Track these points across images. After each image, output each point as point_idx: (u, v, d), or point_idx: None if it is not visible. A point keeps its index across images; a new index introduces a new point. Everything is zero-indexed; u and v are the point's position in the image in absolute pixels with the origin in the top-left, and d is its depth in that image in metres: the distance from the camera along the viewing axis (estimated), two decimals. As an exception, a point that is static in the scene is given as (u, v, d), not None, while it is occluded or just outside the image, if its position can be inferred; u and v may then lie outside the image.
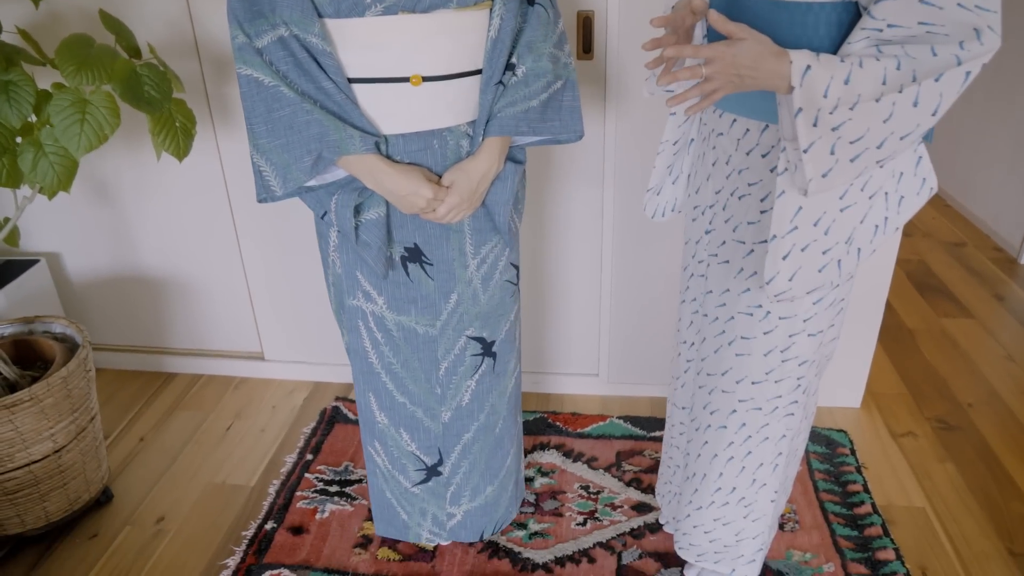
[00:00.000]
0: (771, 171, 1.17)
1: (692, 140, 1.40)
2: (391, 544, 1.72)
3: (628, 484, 1.89)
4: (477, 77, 1.26)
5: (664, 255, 2.02)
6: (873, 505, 1.80)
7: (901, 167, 1.12)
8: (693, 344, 1.47)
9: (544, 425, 2.11)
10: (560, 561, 1.67)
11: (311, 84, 1.17)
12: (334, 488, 1.89)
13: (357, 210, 1.26)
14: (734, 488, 1.43)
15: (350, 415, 2.17)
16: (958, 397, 2.22)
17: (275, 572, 1.66)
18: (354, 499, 1.86)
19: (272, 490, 1.89)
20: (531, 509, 1.82)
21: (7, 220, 1.77)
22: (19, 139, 1.57)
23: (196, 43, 1.93)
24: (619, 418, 2.13)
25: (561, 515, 1.80)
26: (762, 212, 1.20)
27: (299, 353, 2.34)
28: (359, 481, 1.91)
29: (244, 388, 2.34)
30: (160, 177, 2.13)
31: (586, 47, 1.77)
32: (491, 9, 1.24)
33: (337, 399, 2.24)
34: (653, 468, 1.94)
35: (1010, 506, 1.81)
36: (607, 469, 1.94)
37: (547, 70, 1.27)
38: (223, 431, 2.14)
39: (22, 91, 1.46)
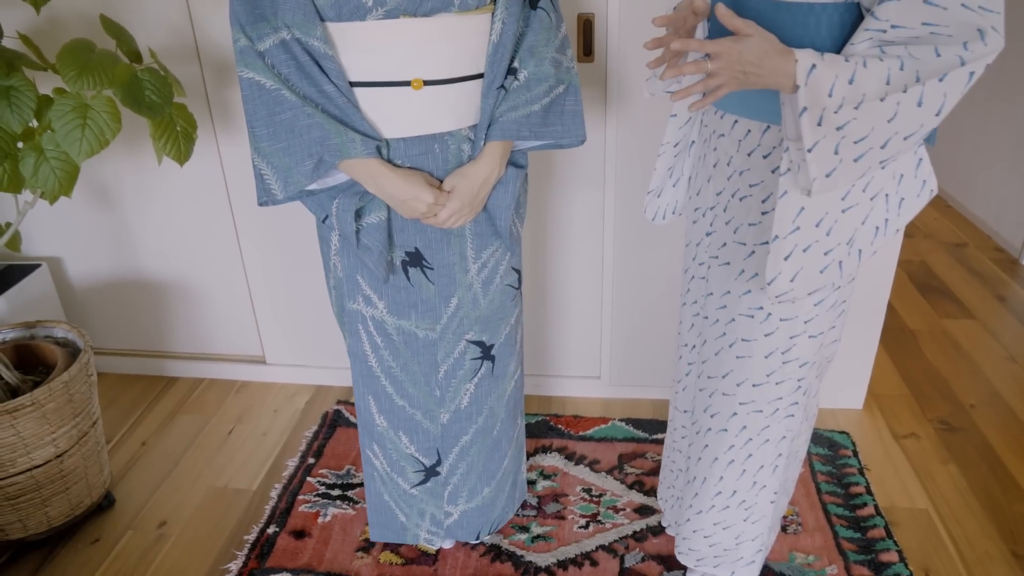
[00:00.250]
0: (772, 172, 1.17)
1: (693, 142, 1.40)
2: (393, 548, 1.72)
3: (630, 487, 1.89)
4: (479, 81, 1.26)
5: (665, 257, 2.02)
6: (876, 507, 1.80)
7: (902, 169, 1.12)
8: (694, 347, 1.47)
9: (546, 428, 2.11)
10: (563, 564, 1.67)
11: (313, 87, 1.17)
12: (336, 492, 1.89)
13: (358, 214, 1.26)
14: (734, 491, 1.42)
15: (352, 419, 2.17)
16: (960, 398, 2.22)
17: (277, 576, 1.66)
18: (356, 503, 1.85)
19: (274, 494, 1.89)
20: (533, 512, 1.82)
21: (8, 225, 1.77)
22: (20, 144, 1.57)
23: (197, 47, 1.94)
24: (621, 420, 2.12)
25: (563, 518, 1.80)
26: (763, 213, 1.20)
27: (300, 357, 2.34)
28: (361, 485, 1.91)
29: (245, 392, 2.34)
30: (161, 181, 2.14)
31: (587, 50, 1.77)
32: (493, 13, 1.24)
33: (339, 402, 2.24)
34: (655, 470, 1.93)
35: (1013, 507, 1.81)
36: (609, 472, 1.94)
37: (549, 74, 1.27)
38: (225, 435, 2.14)
39: (23, 96, 1.46)
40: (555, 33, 1.30)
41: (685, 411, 1.55)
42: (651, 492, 1.87)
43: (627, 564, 1.67)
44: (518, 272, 1.48)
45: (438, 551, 1.71)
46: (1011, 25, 3.06)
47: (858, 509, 1.79)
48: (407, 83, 1.20)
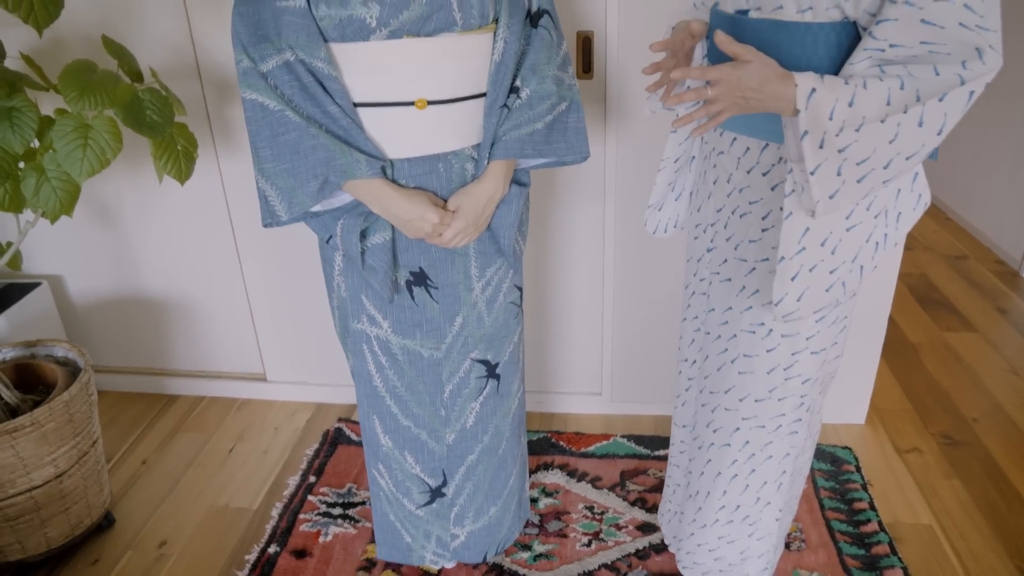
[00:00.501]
0: (772, 189, 1.17)
1: (693, 157, 1.40)
2: (395, 568, 1.71)
3: (632, 504, 1.88)
4: (481, 100, 1.26)
5: (666, 272, 2.02)
6: (880, 523, 1.79)
7: (899, 183, 1.13)
8: (695, 362, 1.46)
9: (548, 445, 2.10)
10: (566, 583, 1.66)
11: (316, 108, 1.17)
12: (337, 511, 1.88)
13: (363, 235, 1.25)
14: (738, 506, 1.42)
15: (353, 436, 2.16)
16: (963, 412, 2.21)
17: (279, 597, 1.64)
18: (357, 521, 1.84)
19: (275, 513, 1.88)
20: (535, 530, 1.81)
21: (9, 244, 1.77)
22: (21, 164, 1.57)
23: (198, 66, 1.94)
24: (623, 437, 2.12)
25: (566, 536, 1.79)
26: (763, 230, 1.21)
27: (301, 374, 2.33)
28: (362, 503, 1.90)
29: (246, 409, 2.33)
30: (162, 198, 2.14)
31: (586, 67, 1.78)
32: (495, 32, 1.24)
33: (340, 420, 2.23)
34: (657, 487, 1.93)
35: (1018, 522, 1.80)
36: (611, 489, 1.93)
37: (551, 92, 1.28)
38: (225, 453, 2.13)
39: (25, 117, 1.46)
40: (556, 51, 1.31)
41: (684, 426, 1.54)
42: (653, 509, 1.86)
43: (631, 582, 1.66)
44: (520, 289, 1.48)
45: (440, 570, 1.70)
46: (1008, 39, 3.07)
47: (862, 525, 1.79)
48: (411, 103, 1.20)
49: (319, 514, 1.87)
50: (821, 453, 2.03)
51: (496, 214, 1.32)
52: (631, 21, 1.74)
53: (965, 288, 2.98)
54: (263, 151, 1.18)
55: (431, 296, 1.34)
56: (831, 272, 1.12)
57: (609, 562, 1.71)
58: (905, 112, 0.96)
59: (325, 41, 1.17)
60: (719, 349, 1.35)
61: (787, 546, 1.73)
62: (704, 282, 1.36)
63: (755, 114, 1.15)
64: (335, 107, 1.17)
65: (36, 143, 1.57)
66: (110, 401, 2.39)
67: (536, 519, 1.84)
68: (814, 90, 0.97)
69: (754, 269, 1.24)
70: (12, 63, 1.74)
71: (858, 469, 1.97)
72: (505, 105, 1.26)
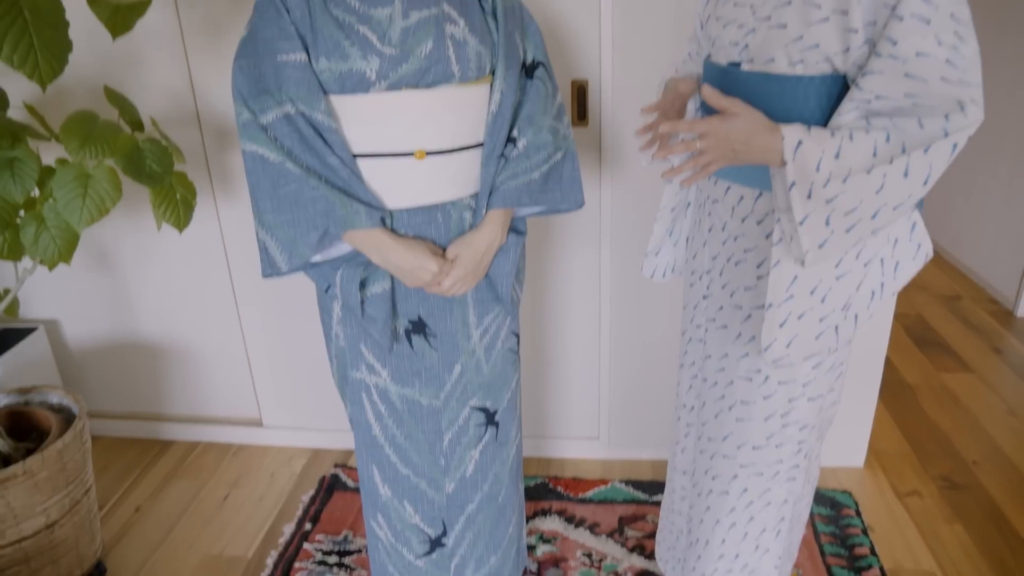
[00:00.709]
0: (766, 238, 1.19)
1: (689, 204, 1.42)
2: (392, 618, 1.68)
3: (631, 551, 1.86)
4: (479, 150, 1.28)
5: (662, 317, 2.03)
6: (881, 569, 1.77)
7: (896, 233, 1.14)
8: (693, 408, 1.46)
9: (545, 490, 2.08)
10: (565, 633, 1.63)
11: (316, 160, 1.18)
12: (333, 559, 1.85)
13: (362, 284, 1.26)
14: (737, 555, 1.40)
15: (349, 483, 2.14)
16: (962, 454, 2.20)
17: (272, 649, 1.61)
18: (353, 569, 1.82)
19: (270, 561, 1.85)
20: (534, 578, 1.78)
21: (7, 291, 1.77)
22: (22, 213, 1.58)
23: (198, 113, 1.97)
24: (621, 482, 2.10)
25: (565, 584, 1.77)
26: (758, 278, 1.22)
27: (298, 419, 2.32)
28: (359, 551, 1.88)
29: (242, 455, 2.31)
30: (160, 244, 2.15)
31: (581, 114, 1.81)
32: (491, 84, 1.27)
33: (336, 466, 2.21)
34: (656, 533, 1.90)
35: (1022, 567, 1.78)
36: (610, 535, 1.91)
37: (547, 142, 1.30)
38: (220, 500, 2.11)
39: (26, 167, 1.48)
40: (551, 102, 1.33)
41: (684, 472, 1.53)
42: (652, 555, 1.84)
43: (631, 632, 1.64)
44: (517, 336, 1.48)
45: (438, 621, 1.67)
46: (993, 80, 3.14)
47: (863, 572, 1.76)
48: (410, 154, 1.22)
49: (315, 562, 1.84)
50: (820, 497, 2.02)
51: (494, 262, 1.33)
52: (625, 69, 1.78)
53: (961, 328, 2.99)
54: (263, 203, 1.19)
55: (430, 344, 1.34)
56: (821, 320, 1.13)
57: (609, 611, 1.69)
58: (891, 163, 0.98)
59: (325, 93, 1.19)
60: (716, 396, 1.35)
61: (789, 593, 1.71)
62: (700, 329, 1.37)
63: (747, 164, 1.17)
64: (335, 158, 1.18)
65: (36, 192, 1.58)
66: (104, 447, 2.37)
67: (534, 567, 1.82)
68: (801, 142, 0.99)
69: (750, 316, 1.24)
70: (15, 112, 1.77)
71: (858, 514, 1.95)
72: (502, 155, 1.28)
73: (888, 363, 2.68)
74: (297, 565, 1.83)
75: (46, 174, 1.54)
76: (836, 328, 1.15)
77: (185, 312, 2.24)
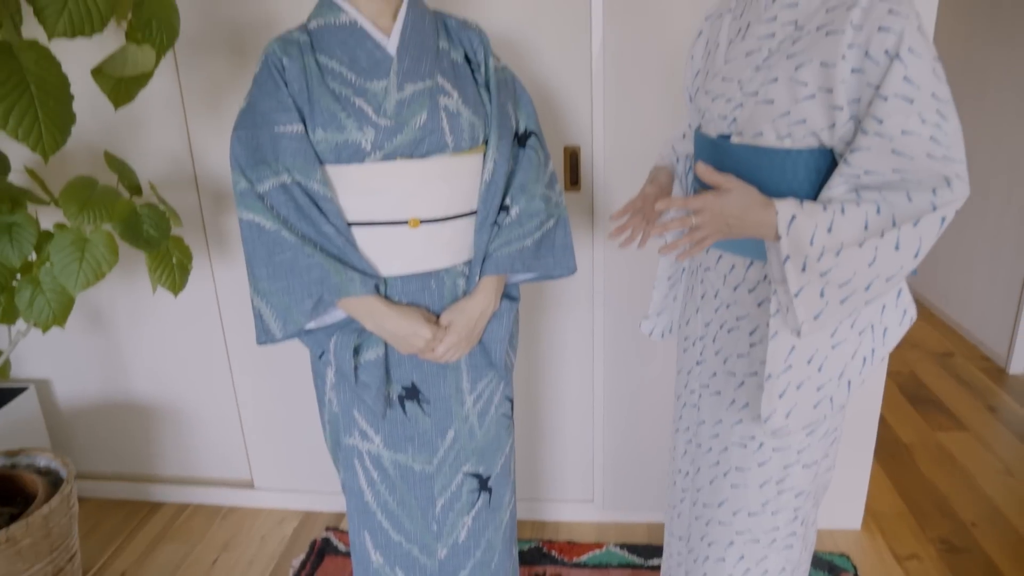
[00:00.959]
0: (758, 306, 1.20)
1: (684, 269, 1.44)
2: None
3: (629, 617, 1.82)
4: (472, 218, 1.30)
5: (656, 379, 2.03)
6: (883, 637, 1.74)
7: (883, 300, 1.15)
8: (688, 474, 1.45)
9: (539, 555, 2.05)
10: None
11: (312, 228, 1.20)
12: (323, 627, 1.81)
13: (356, 351, 1.26)
14: (736, 623, 1.38)
15: (341, 547, 2.10)
16: (960, 516, 2.18)
17: None
18: (344, 639, 1.78)
19: (258, 631, 1.81)
20: (529, 647, 1.74)
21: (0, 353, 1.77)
22: (18, 276, 1.59)
23: (196, 176, 2.00)
24: (616, 546, 2.07)
25: (560, 654, 1.73)
26: (751, 345, 1.22)
27: (290, 481, 2.29)
28: (349, 619, 1.84)
29: (233, 518, 2.27)
30: (155, 305, 2.15)
31: (574, 179, 1.84)
32: (485, 153, 1.29)
33: (328, 529, 2.18)
34: (654, 599, 1.87)
35: (1023, 635, 1.76)
36: (606, 601, 1.88)
37: (540, 210, 1.32)
38: (209, 564, 2.07)
39: (24, 232, 1.49)
40: (543, 170, 1.36)
41: (680, 538, 1.52)
42: (650, 623, 1.80)
43: None
44: (511, 401, 1.48)
45: None
46: (974, 137, 3.21)
47: (865, 639, 1.73)
48: (404, 222, 1.24)
49: (304, 632, 1.80)
50: (818, 561, 1.99)
51: (487, 328, 1.34)
52: (617, 136, 1.81)
53: (954, 386, 2.99)
54: (259, 270, 1.21)
55: (423, 410, 1.34)
56: (818, 389, 1.13)
57: None
58: (882, 236, 1.00)
59: (321, 163, 1.21)
60: (711, 462, 1.34)
61: (788, 663, 1.67)
62: (694, 394, 1.37)
63: (742, 238, 1.19)
64: (330, 227, 1.20)
65: (33, 256, 1.59)
66: (91, 508, 2.33)
67: (529, 635, 1.78)
68: (794, 217, 1.01)
69: (743, 383, 1.25)
70: (16, 176, 1.79)
71: (857, 578, 1.93)
72: (495, 223, 1.30)
73: (883, 421, 2.68)
74: (286, 634, 1.79)
75: (44, 238, 1.55)
76: (831, 397, 1.15)
77: (178, 372, 2.23)
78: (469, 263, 1.32)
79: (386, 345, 1.29)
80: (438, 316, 1.30)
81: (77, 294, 1.53)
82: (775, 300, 1.09)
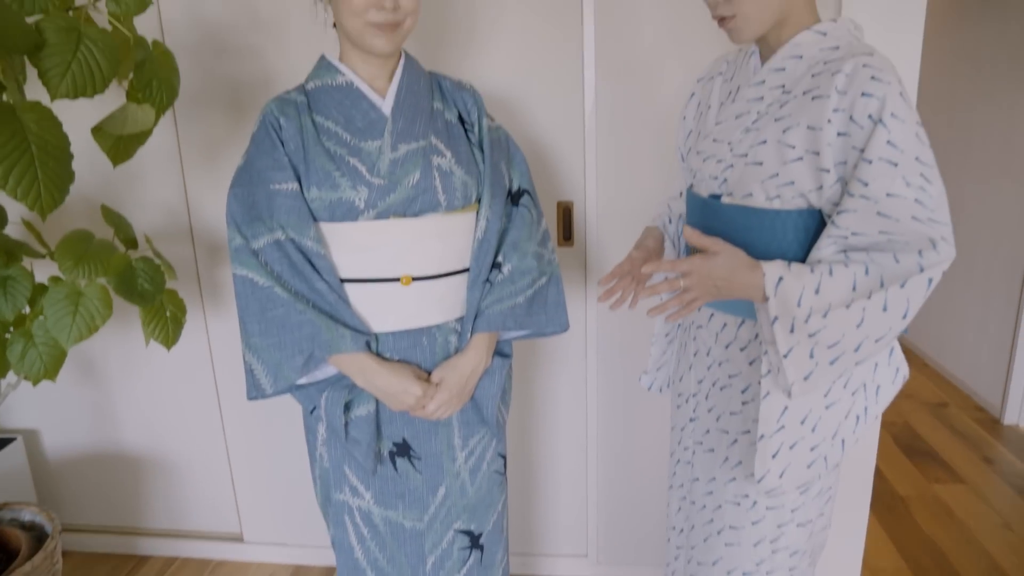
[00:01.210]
0: (750, 364, 1.20)
1: (679, 325, 1.44)
2: None
3: None
4: (465, 275, 1.31)
5: (650, 434, 2.01)
6: None
7: (876, 358, 1.16)
8: (682, 531, 1.44)
9: (533, 612, 2.01)
10: None
11: (304, 284, 1.20)
12: None
13: (347, 407, 1.26)
14: None
15: (330, 603, 2.07)
16: (960, 572, 2.15)
17: None
18: None
19: None
20: None
21: (-11, 406, 1.75)
22: (11, 329, 1.58)
23: (191, 228, 2.01)
24: (611, 602, 2.04)
25: None
26: (744, 403, 1.22)
27: (279, 535, 2.25)
28: None
29: (221, 572, 2.23)
30: (147, 357, 2.14)
31: (567, 235, 1.85)
32: (477, 211, 1.31)
33: (317, 585, 2.14)
34: (649, 659, 1.83)
35: None
36: (601, 661, 1.84)
37: (532, 267, 1.33)
38: (194, 623, 2.02)
39: (19, 285, 1.50)
40: (536, 228, 1.38)
41: (677, 596, 1.49)
42: None
43: None
44: (503, 457, 1.47)
45: None
46: (957, 186, 3.25)
47: None
48: (396, 279, 1.24)
49: None
50: (817, 619, 1.96)
51: (479, 385, 1.34)
52: (610, 191, 1.83)
53: (949, 437, 2.98)
54: (251, 326, 1.21)
55: (414, 467, 1.33)
56: (812, 449, 1.13)
57: None
58: (869, 298, 1.01)
59: (315, 221, 1.22)
60: (705, 519, 1.33)
61: None
62: (688, 451, 1.37)
63: (731, 299, 1.20)
64: (322, 283, 1.21)
65: (27, 309, 1.59)
66: (76, 563, 2.29)
67: None
68: (782, 278, 1.02)
69: (736, 441, 1.24)
70: (12, 228, 1.80)
71: (856, 637, 1.89)
72: (488, 280, 1.31)
73: (878, 473, 2.66)
74: None
75: (38, 291, 1.55)
76: (825, 457, 1.15)
77: (169, 424, 2.21)
78: (461, 320, 1.32)
79: (377, 401, 1.28)
80: (429, 373, 1.30)
81: (70, 348, 1.53)
82: (766, 361, 1.10)
